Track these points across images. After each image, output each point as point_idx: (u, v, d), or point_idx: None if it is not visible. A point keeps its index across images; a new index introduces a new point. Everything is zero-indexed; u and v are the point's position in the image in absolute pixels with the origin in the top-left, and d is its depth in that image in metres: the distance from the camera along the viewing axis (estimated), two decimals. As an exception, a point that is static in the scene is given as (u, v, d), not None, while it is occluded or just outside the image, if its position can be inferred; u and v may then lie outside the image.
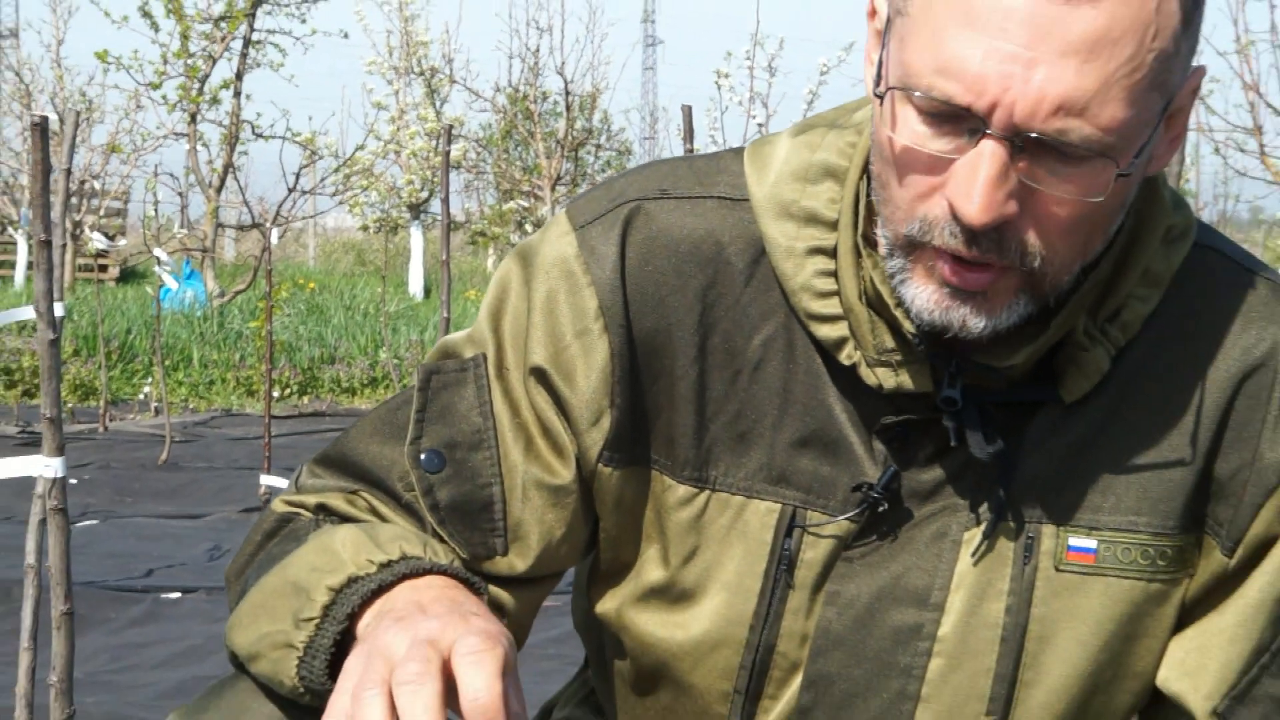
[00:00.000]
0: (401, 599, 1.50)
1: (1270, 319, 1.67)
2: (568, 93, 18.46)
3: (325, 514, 1.71)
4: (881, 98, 1.54)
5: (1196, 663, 1.68)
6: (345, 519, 1.69)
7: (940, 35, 1.46)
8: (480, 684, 1.36)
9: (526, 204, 19.98)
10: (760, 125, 15.83)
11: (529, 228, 19.90)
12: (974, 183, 1.47)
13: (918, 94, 1.48)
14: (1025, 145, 1.46)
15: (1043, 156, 1.47)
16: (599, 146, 22.26)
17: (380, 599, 1.52)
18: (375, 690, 1.36)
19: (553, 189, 18.15)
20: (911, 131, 1.51)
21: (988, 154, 1.46)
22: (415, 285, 23.05)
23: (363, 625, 1.51)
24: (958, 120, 1.48)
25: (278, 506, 1.74)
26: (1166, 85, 1.50)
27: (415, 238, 23.47)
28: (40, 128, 3.11)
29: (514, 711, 1.38)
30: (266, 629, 1.55)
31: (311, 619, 1.52)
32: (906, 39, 1.50)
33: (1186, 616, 1.70)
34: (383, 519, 1.69)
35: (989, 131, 1.46)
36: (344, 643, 1.51)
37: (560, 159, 18.56)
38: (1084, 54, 1.43)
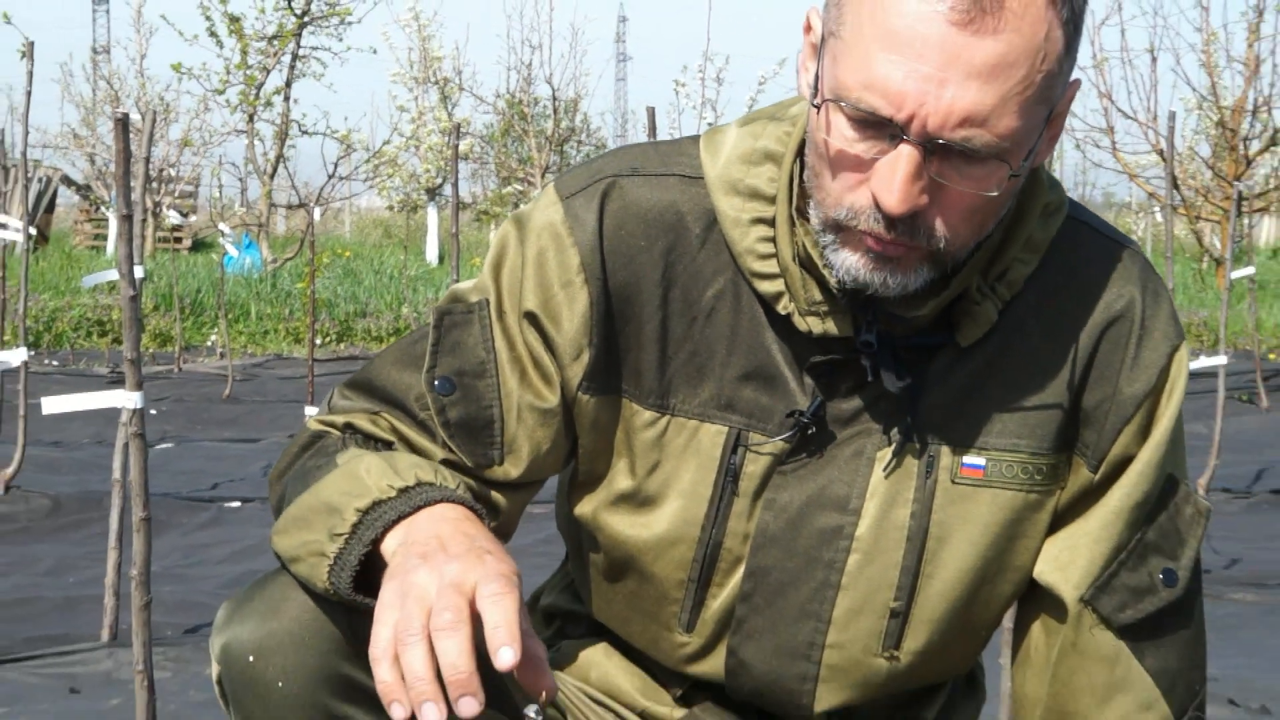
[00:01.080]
0: (422, 530, 1.48)
1: (1128, 279, 1.67)
2: (555, 98, 18.37)
3: (351, 432, 1.68)
4: (818, 108, 1.53)
5: (1067, 559, 1.68)
6: (368, 436, 1.67)
7: (868, 57, 1.46)
8: (500, 618, 1.37)
9: (521, 189, 19.90)
10: (710, 125, 15.78)
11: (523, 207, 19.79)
12: (893, 179, 1.47)
13: (848, 105, 1.48)
14: (936, 149, 1.47)
15: (950, 158, 1.48)
16: (580, 142, 22.16)
17: (402, 525, 1.49)
18: (417, 637, 1.37)
19: (542, 176, 18.07)
20: (842, 136, 1.50)
21: (905, 156, 1.47)
22: (431, 254, 22.97)
23: (387, 548, 1.49)
24: (881, 127, 1.48)
25: (312, 425, 1.71)
26: (1050, 98, 1.50)
27: (431, 216, 23.37)
28: (122, 122, 3.07)
29: (525, 629, 1.39)
30: (305, 538, 1.53)
31: (342, 534, 1.50)
32: (839, 58, 1.49)
33: (1058, 521, 1.69)
34: (401, 435, 1.67)
35: (906, 138, 1.46)
36: (368, 560, 1.50)
37: (548, 152, 18.47)
38: (986, 76, 1.44)
